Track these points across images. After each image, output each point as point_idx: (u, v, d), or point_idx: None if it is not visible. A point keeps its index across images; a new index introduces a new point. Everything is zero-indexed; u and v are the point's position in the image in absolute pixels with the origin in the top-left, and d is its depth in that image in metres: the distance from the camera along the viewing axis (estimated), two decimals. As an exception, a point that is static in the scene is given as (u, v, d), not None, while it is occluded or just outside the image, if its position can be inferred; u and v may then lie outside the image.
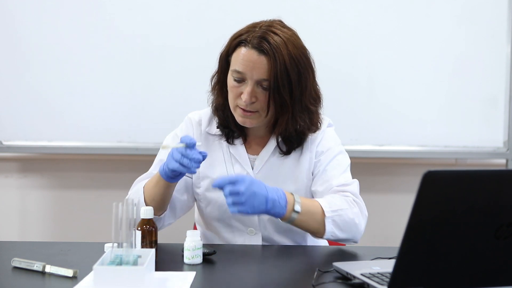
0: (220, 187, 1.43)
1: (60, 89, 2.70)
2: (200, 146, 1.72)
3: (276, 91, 1.58)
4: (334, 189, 1.65)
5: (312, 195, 1.70)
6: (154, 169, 1.72)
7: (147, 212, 1.44)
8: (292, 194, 1.53)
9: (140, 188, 1.65)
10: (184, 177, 1.66)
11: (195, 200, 1.76)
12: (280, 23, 1.65)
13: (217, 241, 1.74)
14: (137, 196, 1.62)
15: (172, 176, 1.54)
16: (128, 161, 2.83)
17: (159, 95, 2.70)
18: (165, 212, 1.66)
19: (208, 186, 1.71)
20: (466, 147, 2.77)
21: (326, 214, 1.54)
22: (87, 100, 2.70)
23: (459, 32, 2.71)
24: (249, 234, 1.69)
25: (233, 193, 1.42)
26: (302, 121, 1.64)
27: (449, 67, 2.73)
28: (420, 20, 2.71)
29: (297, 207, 1.50)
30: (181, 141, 1.49)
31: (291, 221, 1.52)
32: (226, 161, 1.72)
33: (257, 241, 1.69)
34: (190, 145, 1.48)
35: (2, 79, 2.70)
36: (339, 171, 1.68)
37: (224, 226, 1.72)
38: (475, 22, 2.71)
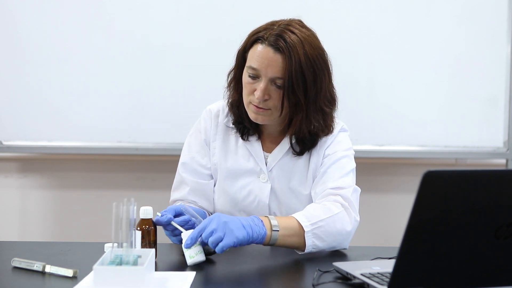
0: (195, 241, 1.41)
1: (60, 89, 2.70)
2: (216, 139, 1.73)
3: (291, 90, 1.57)
4: (327, 191, 1.63)
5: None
6: (180, 179, 1.75)
7: (146, 212, 1.44)
8: (266, 216, 1.51)
9: None
10: (206, 181, 1.71)
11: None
12: (299, 22, 1.65)
13: None
14: None
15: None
16: (128, 161, 2.83)
17: (159, 95, 2.70)
18: None
19: (223, 177, 1.72)
20: (466, 147, 2.76)
21: (305, 229, 1.50)
22: (87, 100, 2.70)
23: (459, 32, 2.71)
24: None
25: (209, 235, 1.40)
26: (316, 122, 1.64)
27: (449, 67, 2.73)
28: (420, 20, 2.71)
29: (275, 226, 1.48)
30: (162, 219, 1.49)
31: (274, 241, 1.48)
32: (242, 155, 1.73)
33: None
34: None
35: (2, 79, 2.70)
36: (338, 174, 1.67)
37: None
38: (475, 22, 2.71)
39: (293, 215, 1.55)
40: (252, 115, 1.64)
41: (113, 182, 2.84)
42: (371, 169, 2.82)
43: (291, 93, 1.58)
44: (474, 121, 2.75)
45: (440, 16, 2.70)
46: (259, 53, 1.58)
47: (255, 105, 1.61)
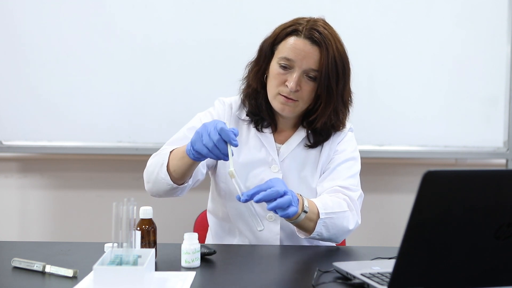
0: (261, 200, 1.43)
1: (60, 88, 2.70)
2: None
3: (326, 82, 1.62)
4: (336, 188, 1.67)
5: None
6: (183, 135, 1.70)
7: (146, 212, 1.44)
8: (300, 195, 1.55)
9: (167, 153, 1.61)
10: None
11: (215, 183, 1.77)
12: (323, 20, 1.70)
13: (232, 234, 1.76)
14: (161, 161, 1.60)
15: (198, 157, 1.50)
16: (128, 161, 2.83)
17: (159, 95, 2.70)
18: (186, 184, 1.64)
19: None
20: (466, 147, 2.77)
21: (320, 216, 1.56)
22: (87, 100, 2.70)
23: (459, 32, 2.71)
24: (268, 220, 1.71)
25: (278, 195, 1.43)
26: (342, 114, 1.70)
27: (449, 67, 2.73)
28: (420, 20, 2.71)
29: (306, 208, 1.53)
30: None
31: (298, 221, 1.53)
32: (253, 146, 1.74)
33: (275, 228, 1.71)
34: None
35: (2, 78, 2.70)
36: (346, 174, 1.71)
37: (244, 213, 1.71)
38: (475, 22, 2.71)
39: (312, 200, 1.60)
40: (279, 106, 1.66)
41: (113, 182, 2.84)
42: (371, 169, 2.82)
43: (326, 84, 1.62)
44: (474, 121, 2.75)
45: (440, 16, 2.70)
46: (295, 45, 1.62)
47: (284, 96, 1.64)
